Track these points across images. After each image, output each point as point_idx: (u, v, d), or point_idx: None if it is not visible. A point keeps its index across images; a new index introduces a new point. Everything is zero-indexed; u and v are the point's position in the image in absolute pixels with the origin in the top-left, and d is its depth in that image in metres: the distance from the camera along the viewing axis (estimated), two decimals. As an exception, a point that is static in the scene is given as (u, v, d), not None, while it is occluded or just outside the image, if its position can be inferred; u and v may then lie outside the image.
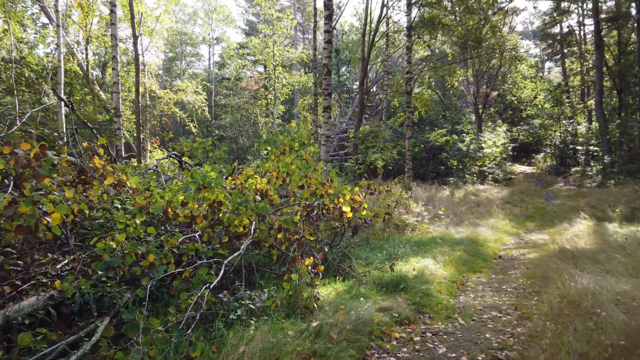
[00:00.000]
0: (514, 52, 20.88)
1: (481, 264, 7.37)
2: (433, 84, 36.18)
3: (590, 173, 24.47)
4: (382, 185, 11.14)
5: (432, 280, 5.86)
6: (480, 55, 18.85)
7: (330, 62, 12.23)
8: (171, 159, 9.19)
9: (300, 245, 5.45)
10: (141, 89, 16.91)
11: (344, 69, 39.63)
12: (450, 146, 24.21)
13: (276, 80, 29.12)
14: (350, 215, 6.28)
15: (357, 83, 38.02)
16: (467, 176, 23.49)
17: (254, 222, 5.30)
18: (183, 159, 9.35)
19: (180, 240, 4.85)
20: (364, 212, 6.64)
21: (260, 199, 6.21)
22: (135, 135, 15.79)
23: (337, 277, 5.84)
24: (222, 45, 46.35)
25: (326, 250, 5.89)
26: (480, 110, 27.86)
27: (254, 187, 6.95)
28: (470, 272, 6.74)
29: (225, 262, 4.34)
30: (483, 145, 24.89)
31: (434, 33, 16.78)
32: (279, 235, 5.17)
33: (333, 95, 34.24)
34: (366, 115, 25.20)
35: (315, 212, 5.96)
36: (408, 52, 16.38)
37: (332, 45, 12.45)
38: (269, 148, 6.81)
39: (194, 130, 18.64)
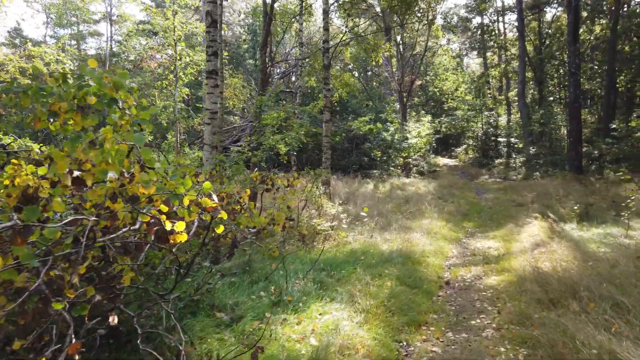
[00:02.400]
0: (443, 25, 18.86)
1: (424, 303, 4.59)
2: (355, 73, 34.14)
3: (514, 165, 23.57)
4: (289, 178, 8.01)
5: (343, 368, 2.91)
6: (411, 21, 16.52)
7: (215, 10, 8.96)
8: None
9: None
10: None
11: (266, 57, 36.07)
12: (374, 135, 21.92)
13: (177, 58, 25.01)
14: (183, 237, 3.13)
15: (279, 70, 34.89)
16: (391, 168, 21.35)
17: None
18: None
19: None
20: (220, 229, 3.53)
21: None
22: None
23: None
24: (126, 24, 40.62)
25: (113, 319, 2.70)
26: (405, 99, 25.98)
27: (6, 182, 3.53)
28: (411, 328, 3.90)
29: None
30: (408, 135, 22.96)
31: (355, -3, 14.05)
32: None
33: (249, 81, 30.71)
34: (283, 102, 22.10)
35: (86, 240, 2.75)
36: (325, 17, 13.50)
37: (218, -14, 9.17)
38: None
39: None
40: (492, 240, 8.26)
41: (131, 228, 3.54)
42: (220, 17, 14.17)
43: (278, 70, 34.26)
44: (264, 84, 9.68)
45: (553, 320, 3.51)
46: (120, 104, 3.67)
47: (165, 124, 25.59)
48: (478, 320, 4.12)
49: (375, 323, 3.76)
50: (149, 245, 3.70)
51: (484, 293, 4.98)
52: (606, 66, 21.01)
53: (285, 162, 10.85)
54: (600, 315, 3.47)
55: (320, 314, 3.88)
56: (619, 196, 11.06)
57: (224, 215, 3.50)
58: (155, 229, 3.18)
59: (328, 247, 7.11)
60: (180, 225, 3.11)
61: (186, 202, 3.31)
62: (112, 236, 3.22)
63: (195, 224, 4.12)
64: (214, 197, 3.45)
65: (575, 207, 9.03)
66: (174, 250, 3.34)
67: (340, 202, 11.07)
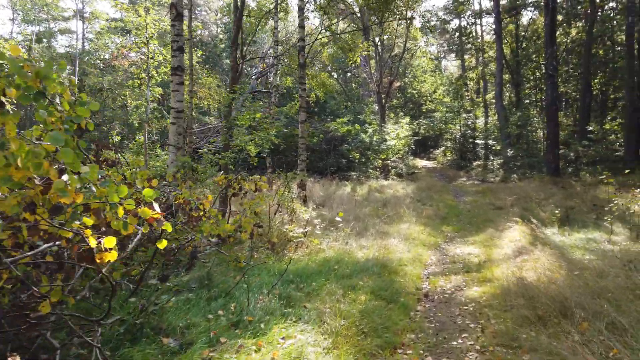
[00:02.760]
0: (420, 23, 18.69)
1: (401, 321, 4.16)
2: (334, 74, 33.81)
3: (492, 167, 23.57)
4: (257, 182, 7.46)
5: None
6: (389, 20, 16.25)
7: (180, 2, 8.41)
8: None
9: None
10: None
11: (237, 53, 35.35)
12: (353, 137, 21.58)
13: (150, 57, 24.20)
14: (112, 256, 2.62)
15: (255, 71, 34.27)
16: (370, 170, 21.03)
17: None
18: None
19: None
20: (164, 243, 3.03)
21: None
22: None
23: None
24: (99, 21, 39.28)
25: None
26: (384, 100, 25.75)
27: None
28: (386, 352, 3.45)
29: None
30: (386, 137, 22.68)
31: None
32: None
33: (226, 81, 29.98)
34: (261, 102, 21.51)
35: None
36: (300, 14, 13.05)
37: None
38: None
39: None
40: (472, 246, 7.93)
41: (56, 243, 3.03)
42: (190, 13, 13.58)
43: (255, 71, 33.66)
44: (234, 81, 9.15)
45: (544, 343, 3.12)
46: (58, 99, 3.18)
47: (137, 124, 24.75)
48: (460, 341, 3.71)
49: (345, 348, 3.30)
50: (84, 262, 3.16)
51: (466, 307, 4.58)
52: (582, 69, 21.17)
53: (254, 164, 10.30)
54: (595, 336, 3.10)
55: (283, 338, 3.41)
56: (597, 198, 10.96)
57: (168, 227, 3.00)
58: (77, 246, 2.67)
59: (300, 256, 6.65)
60: (109, 242, 2.59)
61: (120, 212, 2.81)
62: (27, 254, 2.68)
63: (138, 236, 3.61)
64: (156, 206, 2.95)
65: (557, 211, 8.79)
66: (101, 271, 2.80)
67: (315, 206, 10.63)
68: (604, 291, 3.94)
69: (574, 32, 23.89)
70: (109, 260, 2.62)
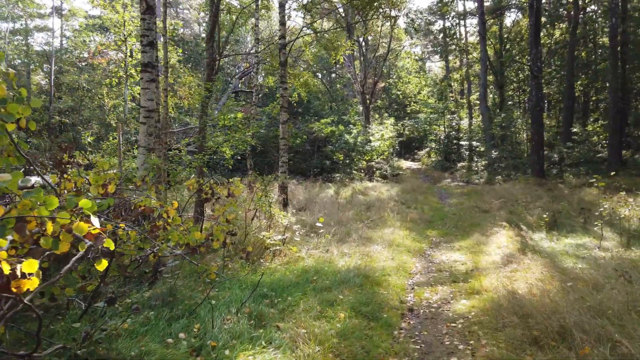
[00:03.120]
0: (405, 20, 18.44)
1: (384, 342, 3.77)
2: (319, 75, 33.44)
3: (476, 168, 23.45)
4: (230, 186, 6.97)
5: None
6: (373, 17, 15.94)
7: (150, -7, 7.90)
8: None
9: None
10: None
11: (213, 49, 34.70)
12: (337, 138, 21.22)
13: (128, 54, 23.48)
14: (32, 284, 2.16)
15: (238, 70, 33.69)
16: (354, 172, 20.68)
17: None
18: None
19: None
20: (104, 264, 2.58)
21: None
22: None
23: None
24: (77, 19, 38.21)
25: None
26: (368, 101, 25.46)
27: None
28: (366, 383, 3.07)
29: None
30: (371, 138, 22.38)
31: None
32: None
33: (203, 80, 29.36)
34: (244, 102, 20.98)
35: None
36: (281, 11, 12.62)
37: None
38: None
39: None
40: (458, 252, 7.60)
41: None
42: (165, 7, 13.02)
43: (238, 70, 33.07)
44: (209, 79, 8.68)
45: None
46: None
47: (114, 124, 24.02)
48: (449, 368, 3.34)
49: (318, 379, 2.90)
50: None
51: (454, 324, 4.22)
52: (565, 70, 21.17)
53: (230, 167, 9.83)
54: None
55: (248, 369, 2.99)
56: (584, 201, 10.77)
57: (110, 244, 2.56)
58: (-12, 271, 2.20)
59: (277, 265, 6.23)
60: (29, 266, 2.13)
61: (50, 228, 2.37)
62: None
63: (79, 255, 3.15)
64: (95, 220, 2.50)
65: (544, 215, 8.53)
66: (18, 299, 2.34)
67: (296, 210, 10.23)
68: (603, 307, 3.62)
69: (557, 33, 23.96)
70: (30, 286, 2.17)
